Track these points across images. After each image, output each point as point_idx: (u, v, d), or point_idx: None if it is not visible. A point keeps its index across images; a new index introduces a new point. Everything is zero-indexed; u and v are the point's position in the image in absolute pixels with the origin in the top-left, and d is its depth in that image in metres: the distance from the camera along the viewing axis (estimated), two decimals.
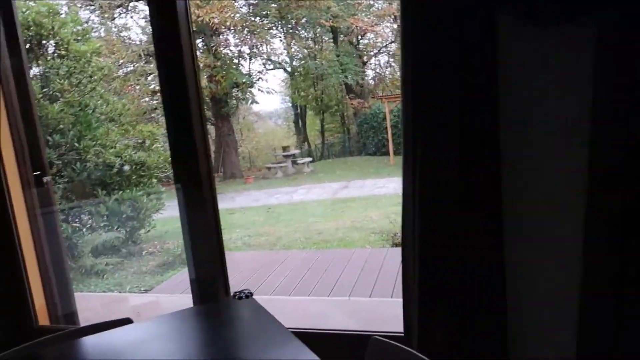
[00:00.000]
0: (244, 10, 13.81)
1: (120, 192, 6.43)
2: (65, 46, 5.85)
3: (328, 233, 6.80)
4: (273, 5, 13.38)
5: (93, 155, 6.03)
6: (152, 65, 12.62)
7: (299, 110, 22.71)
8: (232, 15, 12.74)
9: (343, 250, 5.53)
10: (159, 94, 12.95)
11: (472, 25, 1.70)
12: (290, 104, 26.18)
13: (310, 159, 16.72)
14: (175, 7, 2.42)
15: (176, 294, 4.62)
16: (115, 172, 6.31)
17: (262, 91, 16.12)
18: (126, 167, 6.19)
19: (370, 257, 4.74)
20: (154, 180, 7.06)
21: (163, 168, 7.02)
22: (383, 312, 3.74)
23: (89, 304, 4.38)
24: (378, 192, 11.11)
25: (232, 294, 1.75)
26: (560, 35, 1.66)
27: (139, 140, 6.91)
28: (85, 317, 3.35)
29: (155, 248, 6.95)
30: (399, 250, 4.99)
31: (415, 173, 1.89)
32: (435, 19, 1.75)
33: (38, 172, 3.38)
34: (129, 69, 12.79)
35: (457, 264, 1.82)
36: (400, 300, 1.96)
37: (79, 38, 6.08)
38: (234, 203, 12.00)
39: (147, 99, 12.65)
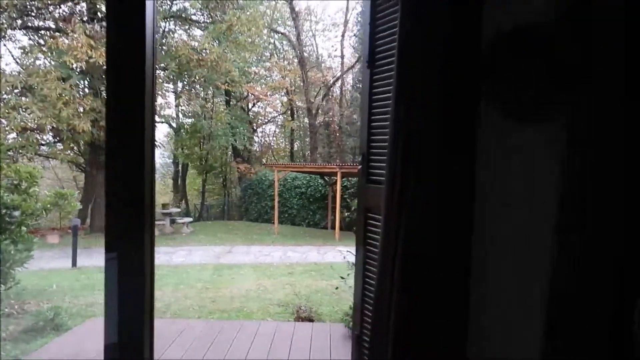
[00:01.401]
0: None
1: None
2: None
3: (223, 301, 6.39)
4: (173, 60, 13.13)
5: None
6: (26, 99, 11.36)
7: (179, 168, 21.96)
8: None
9: (244, 322, 5.20)
10: (30, 131, 11.60)
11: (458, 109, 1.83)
12: (170, 160, 25.28)
13: (190, 219, 15.99)
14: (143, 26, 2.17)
15: None
16: None
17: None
18: (16, 213, 5.28)
19: (278, 332, 4.51)
20: (24, 228, 6.11)
21: (40, 215, 6.14)
22: None
23: None
24: (264, 259, 10.92)
25: None
26: (537, 131, 1.85)
27: (14, 182, 6.00)
28: None
29: (14, 309, 5.87)
30: (306, 325, 4.83)
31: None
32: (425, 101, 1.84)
33: None
34: None
35: None
36: None
37: None
38: (103, 261, 10.84)
39: (13, 135, 11.24)
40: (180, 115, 18.21)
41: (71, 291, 7.13)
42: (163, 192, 25.84)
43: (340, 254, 11.51)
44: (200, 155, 20.12)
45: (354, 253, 6.53)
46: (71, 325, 5.12)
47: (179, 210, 16.79)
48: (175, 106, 17.66)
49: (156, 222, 13.73)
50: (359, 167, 2.69)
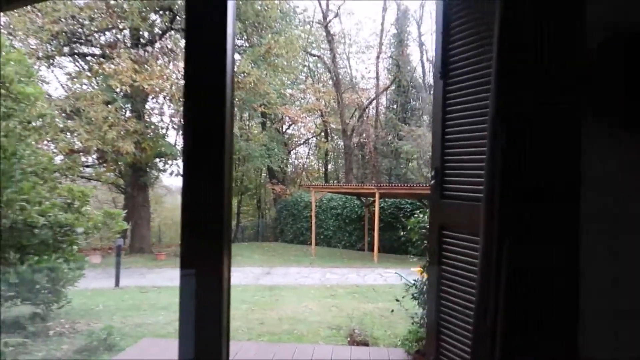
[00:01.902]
0: (182, 82, 13.61)
1: (37, 257, 5.47)
2: (7, 85, 5.15)
3: (271, 323, 6.26)
4: None
5: (15, 211, 5.14)
6: (73, 122, 11.70)
7: None
8: (171, 85, 12.45)
9: (298, 345, 5.05)
10: (76, 153, 11.91)
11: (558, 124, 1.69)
12: None
13: None
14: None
15: None
16: (35, 233, 5.41)
17: None
18: (79, 230, 5.35)
19: (335, 356, 4.34)
20: (74, 247, 6.17)
21: (91, 234, 6.19)
22: None
23: None
24: (304, 281, 10.77)
25: None
26: None
27: (68, 201, 6.08)
28: None
29: (65, 328, 5.89)
30: (363, 349, 4.65)
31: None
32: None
33: None
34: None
35: None
36: None
37: (23, 79, 5.41)
38: (145, 280, 10.94)
39: (60, 157, 11.53)
40: None
41: (118, 311, 7.14)
42: None
43: (380, 277, 11.33)
44: (235, 177, 20.29)
45: (402, 275, 6.29)
46: (123, 345, 5.08)
47: None
48: None
49: None
50: (432, 182, 2.56)
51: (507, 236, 1.68)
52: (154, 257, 14.06)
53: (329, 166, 22.77)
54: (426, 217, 4.76)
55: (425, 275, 4.87)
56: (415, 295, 4.76)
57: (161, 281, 10.61)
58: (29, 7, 11.74)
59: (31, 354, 4.88)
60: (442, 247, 2.47)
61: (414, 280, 5.21)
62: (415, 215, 4.88)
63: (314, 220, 14.69)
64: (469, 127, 2.27)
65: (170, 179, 22.73)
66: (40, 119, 5.65)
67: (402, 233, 5.81)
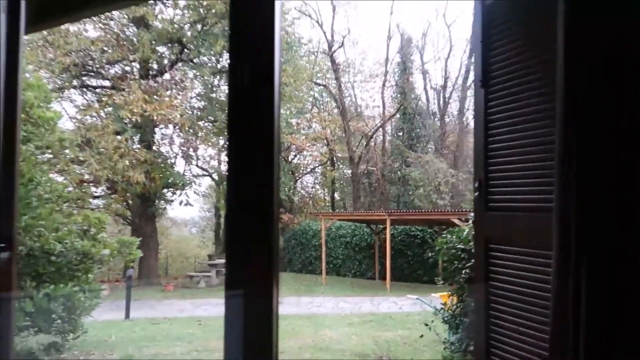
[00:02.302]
0: (191, 113, 13.73)
1: (53, 285, 5.34)
2: (27, 109, 5.13)
3: (292, 353, 6.06)
4: (223, 110, 13.47)
5: (32, 237, 5.05)
6: (83, 153, 11.70)
7: (220, 220, 22.03)
8: (180, 114, 12.52)
9: None
10: (85, 183, 11.87)
11: None
12: (209, 214, 25.47)
13: None
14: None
15: None
16: (52, 260, 5.30)
17: (197, 193, 15.54)
18: (105, 252, 5.23)
19: None
20: (90, 275, 6.04)
21: (107, 261, 6.08)
22: None
23: None
24: (317, 310, 10.54)
25: None
26: None
27: (84, 228, 5.99)
28: None
29: (79, 359, 5.70)
30: None
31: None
32: None
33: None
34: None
35: None
36: None
37: (41, 104, 5.40)
38: (155, 312, 10.71)
39: (71, 188, 11.49)
40: (223, 167, 18.48)
41: (132, 342, 6.93)
42: (203, 245, 25.92)
43: (395, 305, 11.08)
44: None
45: (423, 301, 6.12)
46: None
47: (224, 261, 16.67)
48: (217, 160, 18.01)
49: (202, 274, 13.63)
50: (475, 194, 2.47)
51: (585, 255, 1.55)
52: (162, 289, 13.84)
53: (336, 195, 22.69)
54: (454, 237, 4.65)
55: (454, 299, 4.73)
56: (446, 319, 4.61)
57: (172, 312, 10.40)
58: (40, 42, 11.94)
59: None
60: (489, 262, 2.36)
61: (442, 305, 5.06)
62: (443, 236, 4.77)
63: (324, 249, 14.52)
64: (515, 134, 2.20)
65: (175, 211, 22.67)
66: (60, 143, 5.60)
67: (430, 254, 5.68)
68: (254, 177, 2.26)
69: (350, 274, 16.01)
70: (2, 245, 2.70)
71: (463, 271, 4.26)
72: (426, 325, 4.99)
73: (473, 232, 4.15)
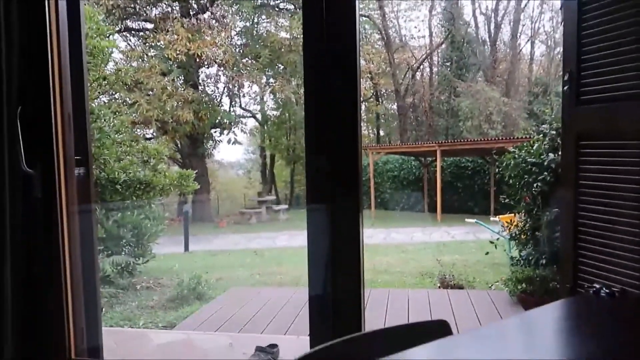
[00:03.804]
0: (236, 50, 13.55)
1: (119, 213, 5.54)
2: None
3: None
4: (266, 46, 13.22)
5: (98, 166, 5.19)
6: (132, 95, 11.85)
7: (266, 160, 22.25)
8: (224, 51, 12.37)
9: (391, 289, 4.92)
10: (138, 124, 12.11)
11: None
12: (254, 155, 25.73)
13: (285, 206, 16.12)
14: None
15: (210, 332, 3.79)
16: (117, 189, 5.47)
17: (244, 132, 15.64)
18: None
19: (433, 298, 4.15)
20: (153, 206, 6.23)
21: (167, 191, 6.23)
22: None
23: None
24: (368, 241, 10.62)
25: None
26: None
27: (144, 158, 6.11)
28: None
29: (150, 283, 5.99)
30: (460, 292, 4.42)
31: None
32: None
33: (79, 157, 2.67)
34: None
35: None
36: None
37: (96, 35, 5.39)
38: (212, 245, 11.14)
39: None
40: (266, 107, 18.39)
41: (196, 269, 7.22)
42: (250, 186, 26.42)
43: (447, 234, 11.01)
44: (287, 145, 20.24)
45: (482, 223, 5.95)
46: (212, 294, 5.09)
47: (274, 198, 17.01)
48: (261, 98, 17.89)
49: (253, 210, 13.87)
50: (565, 88, 2.26)
51: None
52: (216, 225, 14.31)
53: (381, 131, 22.31)
54: (523, 151, 4.43)
55: (522, 216, 4.57)
56: (515, 235, 4.48)
57: (228, 245, 10.78)
58: None
59: (125, 304, 4.98)
60: (578, 159, 2.18)
61: (507, 223, 4.93)
62: (512, 151, 4.56)
63: (372, 182, 14.46)
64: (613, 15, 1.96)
65: (221, 154, 22.98)
66: (117, 74, 5.62)
67: (497, 170, 5.49)
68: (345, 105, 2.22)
69: (399, 207, 15.96)
70: (79, 157, 2.74)
71: (535, 184, 4.07)
72: (491, 242, 4.87)
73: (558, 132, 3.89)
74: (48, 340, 2.39)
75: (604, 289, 1.13)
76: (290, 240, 11.22)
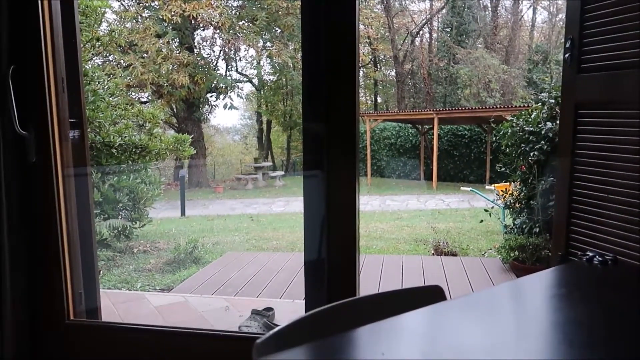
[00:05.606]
0: (232, 12, 13.22)
1: (115, 177, 5.53)
2: None
3: None
4: (262, 8, 12.90)
5: (93, 129, 5.15)
6: (127, 57, 11.63)
7: (262, 126, 22.11)
8: (220, 13, 12.09)
9: (385, 256, 4.98)
10: (132, 87, 11.95)
11: None
12: (250, 121, 25.53)
13: (282, 172, 16.14)
14: None
15: (207, 295, 3.85)
16: (113, 153, 5.44)
17: (240, 97, 15.44)
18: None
19: (427, 264, 4.22)
20: (149, 170, 6.22)
21: (163, 155, 6.21)
22: None
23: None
24: (363, 208, 10.68)
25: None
26: None
27: (140, 122, 6.06)
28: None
29: (147, 247, 6.04)
30: (453, 259, 4.49)
31: None
32: None
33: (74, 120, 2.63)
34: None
35: None
36: None
37: None
38: (208, 210, 11.18)
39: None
40: (263, 72, 18.12)
41: (191, 234, 7.28)
42: (246, 151, 26.35)
43: (442, 202, 11.10)
44: (284, 111, 20.07)
45: (477, 192, 5.98)
46: (208, 258, 5.15)
47: (270, 164, 16.99)
48: (257, 63, 17.60)
49: (249, 176, 13.89)
50: (566, 55, 2.22)
51: None
52: (212, 191, 14.34)
53: (378, 98, 22.12)
54: (521, 120, 4.41)
55: (517, 184, 4.59)
56: (509, 204, 4.51)
57: (224, 210, 10.81)
58: None
59: (122, 267, 5.03)
60: (576, 129, 2.17)
61: (502, 191, 4.95)
62: (509, 119, 4.53)
63: (369, 149, 14.44)
64: None
65: (217, 119, 22.78)
66: (109, 35, 5.50)
67: (494, 138, 5.49)
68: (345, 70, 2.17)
69: (395, 175, 16.01)
70: (73, 120, 2.70)
71: (532, 153, 4.07)
72: (486, 210, 4.92)
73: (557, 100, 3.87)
74: (47, 303, 2.41)
75: (597, 256, 1.14)
76: (286, 207, 11.29)
